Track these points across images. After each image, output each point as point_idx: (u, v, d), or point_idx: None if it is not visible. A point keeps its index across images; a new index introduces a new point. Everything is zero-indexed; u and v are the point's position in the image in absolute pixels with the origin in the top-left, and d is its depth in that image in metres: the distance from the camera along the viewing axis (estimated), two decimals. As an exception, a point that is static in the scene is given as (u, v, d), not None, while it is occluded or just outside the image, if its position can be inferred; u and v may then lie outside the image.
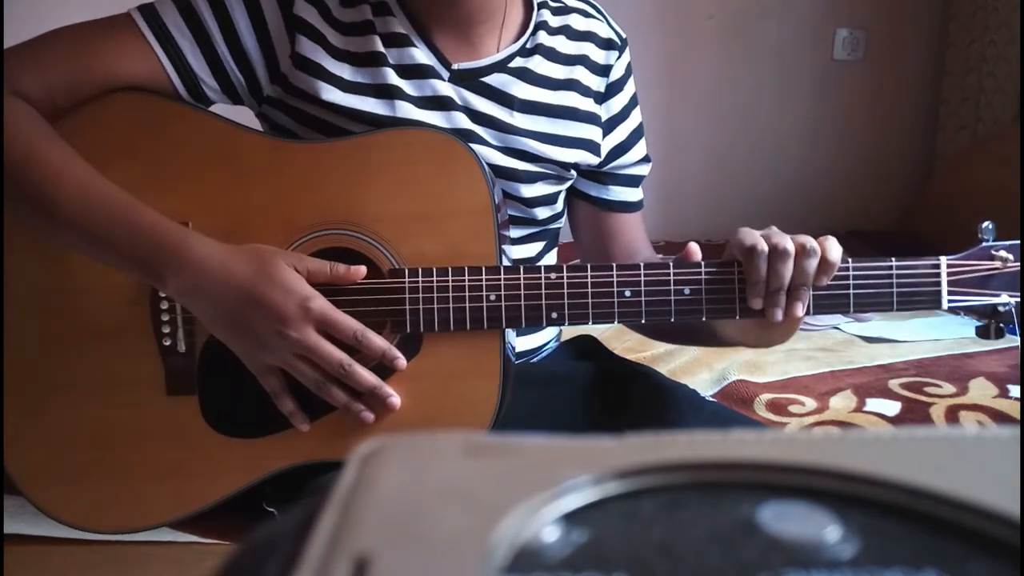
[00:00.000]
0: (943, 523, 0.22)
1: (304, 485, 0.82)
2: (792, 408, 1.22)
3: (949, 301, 0.82)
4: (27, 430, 0.85)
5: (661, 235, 2.29)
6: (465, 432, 0.26)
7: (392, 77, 0.87)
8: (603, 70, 0.99)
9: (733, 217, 2.57)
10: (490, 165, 0.87)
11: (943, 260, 0.82)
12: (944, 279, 0.82)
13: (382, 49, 0.87)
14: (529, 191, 0.94)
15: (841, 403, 1.24)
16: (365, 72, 0.87)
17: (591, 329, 1.24)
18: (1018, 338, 1.56)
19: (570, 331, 1.20)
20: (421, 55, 0.89)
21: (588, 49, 0.97)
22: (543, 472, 0.23)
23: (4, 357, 0.86)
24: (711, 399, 1.23)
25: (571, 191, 1.02)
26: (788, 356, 1.47)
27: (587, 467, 0.23)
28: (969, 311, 0.83)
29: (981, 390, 1.27)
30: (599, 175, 1.01)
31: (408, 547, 0.20)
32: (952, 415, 1.19)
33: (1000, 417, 1.18)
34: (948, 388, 1.28)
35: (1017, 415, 1.17)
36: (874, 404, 1.23)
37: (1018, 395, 1.23)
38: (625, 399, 0.95)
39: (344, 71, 0.87)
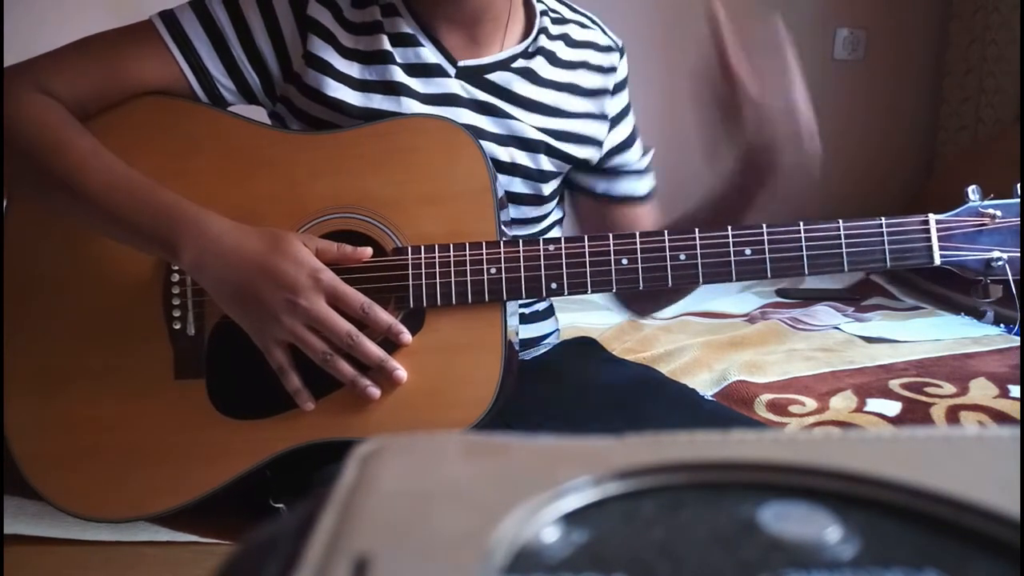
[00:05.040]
0: (943, 523, 0.22)
1: (310, 478, 0.83)
2: (792, 408, 1.22)
3: (941, 256, 0.83)
4: (35, 418, 0.87)
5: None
6: (465, 433, 0.26)
7: (399, 75, 0.90)
8: (608, 70, 1.02)
9: (733, 217, 2.58)
10: (492, 158, 0.90)
11: (932, 216, 0.84)
12: (934, 234, 0.83)
13: (389, 48, 0.90)
14: (520, 186, 0.96)
15: (841, 403, 1.24)
16: (373, 70, 0.90)
17: (590, 330, 1.24)
18: (1017, 339, 1.56)
19: (569, 331, 1.20)
20: (428, 54, 0.92)
21: (588, 55, 1.00)
22: (543, 472, 0.23)
23: (9, 352, 0.88)
24: (711, 399, 1.23)
25: (577, 189, 1.04)
26: (788, 356, 1.47)
27: (587, 467, 0.23)
28: (962, 267, 0.84)
29: (981, 390, 1.27)
30: (606, 171, 1.04)
31: (408, 547, 0.20)
32: (952, 415, 1.19)
33: (1000, 417, 1.18)
34: (948, 388, 1.28)
35: (1017, 415, 1.17)
36: (874, 404, 1.23)
37: (1018, 395, 1.23)
38: (625, 399, 0.95)
39: (353, 69, 0.90)
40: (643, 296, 1.06)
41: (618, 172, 1.04)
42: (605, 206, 1.05)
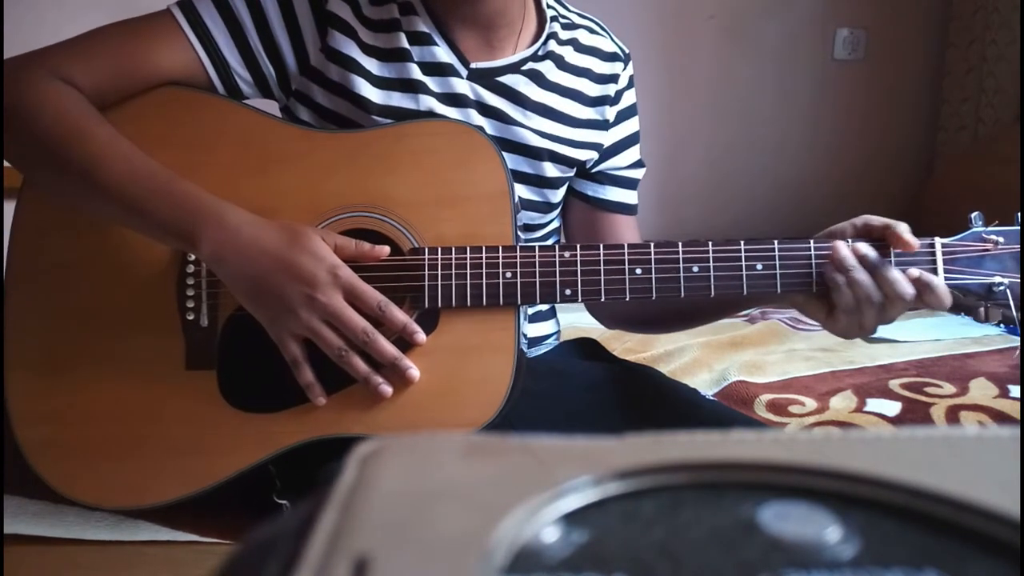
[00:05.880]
0: (943, 523, 0.22)
1: (314, 474, 0.83)
2: (792, 408, 1.22)
3: (946, 279, 0.84)
4: (42, 405, 0.87)
5: (661, 235, 2.29)
6: (464, 432, 0.26)
7: (416, 73, 0.91)
8: (608, 79, 1.02)
9: (733, 217, 2.59)
10: None
11: (937, 240, 0.85)
12: (939, 257, 0.84)
13: (407, 46, 0.91)
14: (525, 192, 0.97)
15: (841, 403, 1.24)
16: (391, 67, 0.91)
17: (591, 331, 1.24)
18: (1017, 339, 1.56)
19: (570, 332, 1.20)
20: (442, 53, 0.92)
21: (592, 63, 1.01)
22: (543, 472, 0.23)
23: (18, 338, 0.88)
24: (711, 399, 1.23)
25: (569, 192, 1.04)
26: (788, 356, 1.47)
27: (587, 467, 0.23)
28: (965, 290, 0.85)
29: (981, 390, 1.27)
30: (595, 175, 1.04)
31: (408, 547, 0.20)
32: (952, 415, 1.19)
33: (1000, 417, 1.18)
34: (948, 388, 1.28)
35: (1017, 415, 1.17)
36: (874, 404, 1.23)
37: (1018, 395, 1.23)
38: (625, 399, 0.96)
39: (372, 66, 0.91)
40: (655, 316, 1.06)
41: (607, 177, 1.05)
42: (594, 213, 1.05)
